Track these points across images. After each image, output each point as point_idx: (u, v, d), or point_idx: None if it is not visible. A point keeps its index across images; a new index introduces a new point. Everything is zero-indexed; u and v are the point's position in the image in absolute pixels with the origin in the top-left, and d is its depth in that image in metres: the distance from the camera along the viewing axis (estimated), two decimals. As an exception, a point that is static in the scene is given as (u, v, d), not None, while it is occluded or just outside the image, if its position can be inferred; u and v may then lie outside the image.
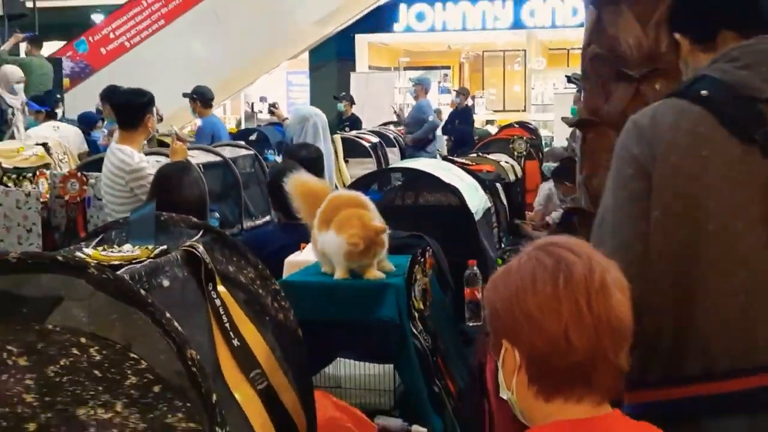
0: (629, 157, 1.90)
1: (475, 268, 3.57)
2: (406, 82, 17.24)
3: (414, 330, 2.74)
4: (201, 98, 8.46)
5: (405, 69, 20.53)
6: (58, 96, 9.95)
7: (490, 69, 23.30)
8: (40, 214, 4.37)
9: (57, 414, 1.39)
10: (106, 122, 8.31)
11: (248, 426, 1.69)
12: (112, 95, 8.42)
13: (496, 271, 1.56)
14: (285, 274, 3.00)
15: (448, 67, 22.57)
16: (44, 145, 6.33)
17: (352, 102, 12.82)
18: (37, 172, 4.79)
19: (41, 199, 4.66)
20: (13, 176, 4.62)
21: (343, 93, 13.23)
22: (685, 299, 1.83)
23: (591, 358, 1.43)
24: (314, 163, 4.26)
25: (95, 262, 1.63)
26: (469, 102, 14.22)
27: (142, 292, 1.42)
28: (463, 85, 21.00)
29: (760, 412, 1.79)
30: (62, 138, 7.55)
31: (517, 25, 19.39)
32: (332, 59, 18.28)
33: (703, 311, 1.82)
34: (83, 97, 11.28)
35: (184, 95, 8.63)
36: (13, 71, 8.44)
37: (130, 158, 4.37)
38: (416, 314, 2.79)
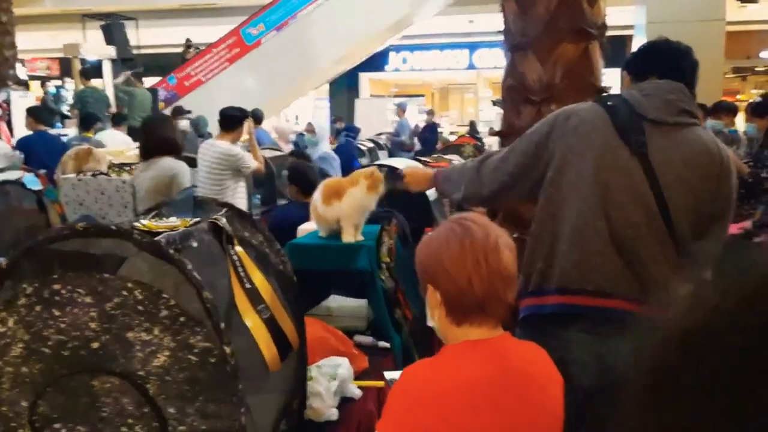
0: (547, 125, 1.90)
1: (430, 232, 3.53)
2: (394, 105, 17.11)
3: (382, 276, 2.71)
4: (255, 117, 8.42)
5: (395, 96, 20.37)
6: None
7: (453, 96, 23.16)
8: (133, 196, 4.30)
9: (113, 336, 1.35)
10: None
11: (256, 345, 1.65)
12: (183, 111, 8.53)
13: (423, 237, 1.52)
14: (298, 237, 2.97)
15: (422, 95, 22.40)
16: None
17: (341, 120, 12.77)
18: (132, 166, 4.70)
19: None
20: (116, 170, 4.53)
21: (334, 116, 13.22)
22: (554, 233, 1.84)
23: (488, 297, 1.40)
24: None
25: (146, 229, 1.59)
26: (435, 120, 14.10)
27: (172, 251, 1.37)
28: (434, 108, 20.87)
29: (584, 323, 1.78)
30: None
31: (471, 66, 19.26)
32: (343, 89, 18.16)
33: (560, 245, 1.81)
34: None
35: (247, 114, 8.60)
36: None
37: (230, 148, 4.65)
38: (384, 265, 2.76)
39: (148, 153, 4.11)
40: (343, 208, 2.63)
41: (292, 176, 4.22)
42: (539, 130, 1.93)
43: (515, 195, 2.00)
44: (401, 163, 4.92)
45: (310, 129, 5.97)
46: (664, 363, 0.41)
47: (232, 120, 4.80)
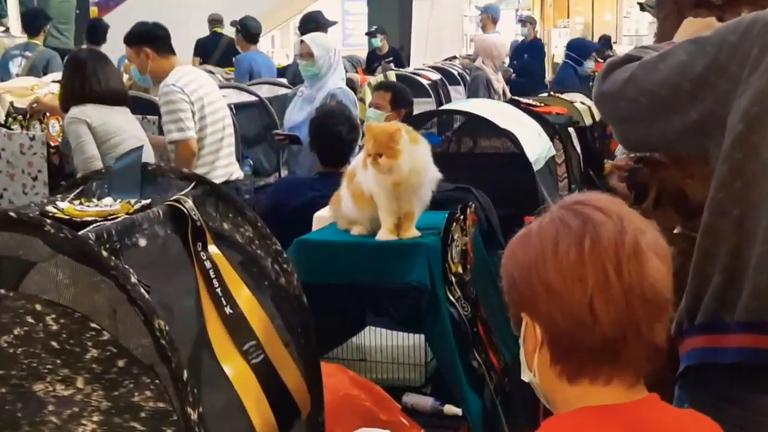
0: (718, 42, 1.86)
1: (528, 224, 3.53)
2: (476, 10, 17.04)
3: (450, 296, 2.73)
4: (245, 31, 8.48)
5: (477, -6, 20.27)
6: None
7: (576, -6, 22.91)
8: (47, 160, 4.42)
9: (12, 389, 1.40)
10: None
11: (239, 405, 1.68)
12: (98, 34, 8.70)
13: (515, 235, 1.53)
14: (314, 228, 3.01)
15: (525, -7, 22.22)
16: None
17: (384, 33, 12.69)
18: (48, 112, 4.82)
19: (53, 143, 4.69)
20: (20, 117, 4.66)
21: (375, 27, 13.14)
22: (742, 229, 1.81)
23: (620, 333, 1.40)
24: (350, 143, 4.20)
25: (66, 217, 1.64)
26: (539, 33, 14.01)
27: (106, 253, 1.41)
28: (545, 12, 20.69)
29: None
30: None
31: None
32: (392, -17, 18.07)
33: (752, 250, 1.79)
34: (114, 30, 11.33)
35: (232, 24, 8.67)
36: None
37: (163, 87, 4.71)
38: (453, 279, 2.77)
39: (77, 98, 4.27)
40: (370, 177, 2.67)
41: (314, 128, 4.25)
42: (722, 38, 1.89)
43: (646, 134, 2.00)
44: (481, 106, 4.92)
45: (305, 51, 5.85)
46: None
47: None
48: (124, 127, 4.37)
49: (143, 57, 4.70)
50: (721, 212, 1.86)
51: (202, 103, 4.67)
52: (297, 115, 5.66)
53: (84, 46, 7.12)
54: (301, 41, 5.96)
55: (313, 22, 7.61)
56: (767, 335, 1.79)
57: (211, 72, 7.02)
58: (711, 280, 1.86)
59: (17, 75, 7.48)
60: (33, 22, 8.42)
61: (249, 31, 8.48)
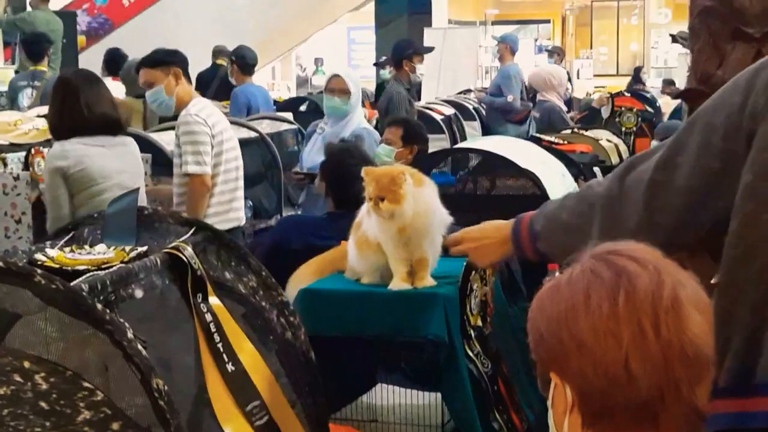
0: (739, 91, 1.87)
1: (558, 273, 3.52)
2: (493, 40, 17.14)
3: (469, 351, 2.71)
4: (241, 62, 8.50)
5: (493, 23, 20.41)
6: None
7: (601, 23, 23.05)
8: (32, 201, 4.42)
9: (-4, 454, 1.40)
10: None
11: (243, 472, 1.69)
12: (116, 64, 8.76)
13: (543, 287, 1.53)
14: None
15: (547, 21, 22.39)
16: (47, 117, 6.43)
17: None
18: (33, 150, 4.83)
19: (39, 183, 4.70)
20: (2, 155, 4.68)
21: (384, 57, 13.20)
22: (763, 281, 1.80)
23: (658, 394, 1.39)
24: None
25: (56, 266, 1.64)
26: (565, 65, 14.07)
27: (100, 306, 1.42)
28: (566, 43, 20.81)
29: None
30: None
31: (634, -33, 19.15)
32: (403, 11, 18.21)
33: None
34: (100, 60, 11.46)
35: (225, 54, 8.72)
36: None
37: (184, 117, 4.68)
38: (472, 332, 2.77)
39: (63, 128, 4.26)
40: (379, 221, 2.67)
41: (325, 167, 4.23)
42: (727, 103, 1.92)
43: (695, 230, 1.99)
44: (501, 144, 4.94)
45: (339, 87, 5.89)
46: None
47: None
48: (107, 173, 4.28)
49: (172, 78, 4.70)
50: (738, 267, 1.86)
51: (221, 138, 4.70)
52: (317, 156, 5.65)
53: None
54: (335, 75, 5.98)
55: (411, 48, 7.70)
56: None
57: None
58: (731, 341, 1.86)
59: (29, 107, 7.53)
60: (35, 48, 8.53)
61: (245, 61, 8.47)
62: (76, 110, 4.22)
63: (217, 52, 10.29)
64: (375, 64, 13.44)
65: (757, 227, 1.83)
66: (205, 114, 4.64)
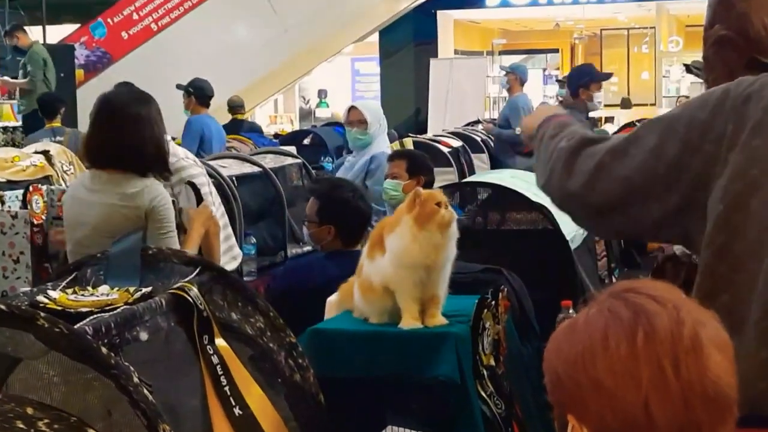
0: (707, 109, 1.90)
1: (572, 310, 3.51)
2: (501, 70, 17.20)
3: (482, 392, 2.71)
4: (199, 93, 8.65)
5: (500, 53, 20.47)
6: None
7: (611, 51, 23.13)
8: (30, 241, 4.44)
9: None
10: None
11: None
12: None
13: (559, 327, 1.53)
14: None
15: (556, 51, 22.46)
16: (45, 153, 6.46)
17: None
18: (31, 188, 4.85)
19: (36, 221, 4.72)
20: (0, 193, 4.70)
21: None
22: (733, 314, 1.83)
23: (681, 438, 1.39)
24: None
25: (58, 308, 1.65)
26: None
27: (105, 349, 1.42)
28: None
29: None
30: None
31: (646, -6, 19.24)
32: (408, 42, 18.30)
33: (742, 337, 1.80)
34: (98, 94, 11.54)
35: (178, 87, 8.84)
36: None
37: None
38: (485, 372, 2.76)
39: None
40: (383, 264, 2.67)
41: (324, 203, 4.24)
42: (692, 116, 1.93)
43: (623, 223, 2.01)
44: (511, 178, 4.94)
45: (356, 118, 5.95)
46: None
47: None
48: (82, 219, 3.72)
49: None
50: (710, 299, 1.86)
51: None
52: None
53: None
54: (352, 108, 6.02)
55: (587, 75, 7.72)
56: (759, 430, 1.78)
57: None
58: None
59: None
60: (50, 107, 8.87)
61: (204, 92, 8.69)
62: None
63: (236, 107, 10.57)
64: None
65: (727, 258, 1.84)
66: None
